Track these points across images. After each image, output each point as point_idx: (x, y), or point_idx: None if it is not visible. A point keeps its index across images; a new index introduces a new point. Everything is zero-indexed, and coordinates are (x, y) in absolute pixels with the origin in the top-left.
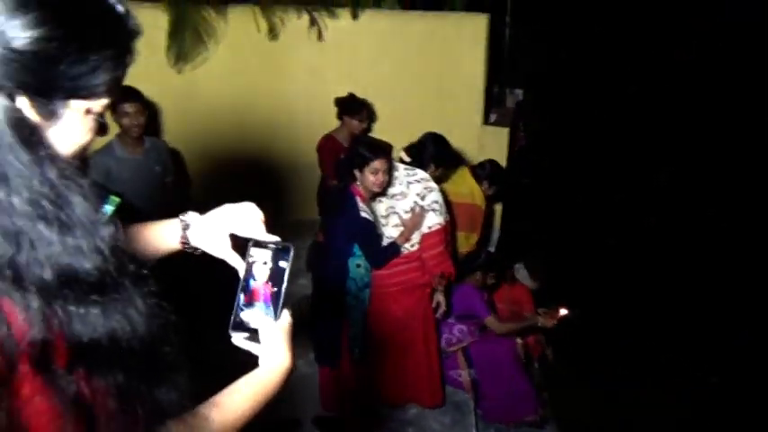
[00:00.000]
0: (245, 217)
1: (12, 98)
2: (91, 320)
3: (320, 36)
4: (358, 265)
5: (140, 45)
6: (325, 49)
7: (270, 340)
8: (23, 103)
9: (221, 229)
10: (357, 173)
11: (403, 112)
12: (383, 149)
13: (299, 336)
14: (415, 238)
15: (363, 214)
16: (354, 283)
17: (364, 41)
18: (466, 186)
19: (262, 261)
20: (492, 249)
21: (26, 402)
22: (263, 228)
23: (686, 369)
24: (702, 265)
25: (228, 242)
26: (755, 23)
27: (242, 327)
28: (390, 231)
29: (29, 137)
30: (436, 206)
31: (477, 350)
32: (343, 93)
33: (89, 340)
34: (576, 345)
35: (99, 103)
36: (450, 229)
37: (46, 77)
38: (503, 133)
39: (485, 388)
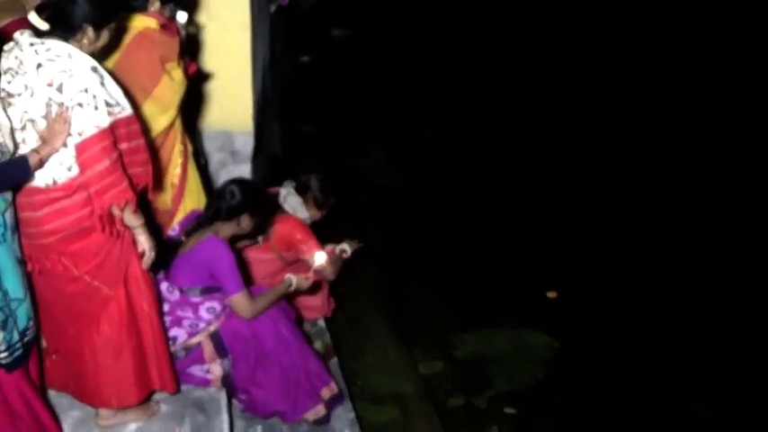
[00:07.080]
0: None
1: None
2: None
3: None
4: None
5: None
6: None
7: None
8: None
9: None
10: None
11: None
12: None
13: None
14: (69, 155)
15: None
16: None
17: None
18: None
19: None
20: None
21: None
22: None
23: None
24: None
25: None
26: None
27: None
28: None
29: None
30: (86, 98)
31: (230, 329)
32: None
33: None
34: None
35: None
36: (132, 131)
37: None
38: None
39: (244, 378)
